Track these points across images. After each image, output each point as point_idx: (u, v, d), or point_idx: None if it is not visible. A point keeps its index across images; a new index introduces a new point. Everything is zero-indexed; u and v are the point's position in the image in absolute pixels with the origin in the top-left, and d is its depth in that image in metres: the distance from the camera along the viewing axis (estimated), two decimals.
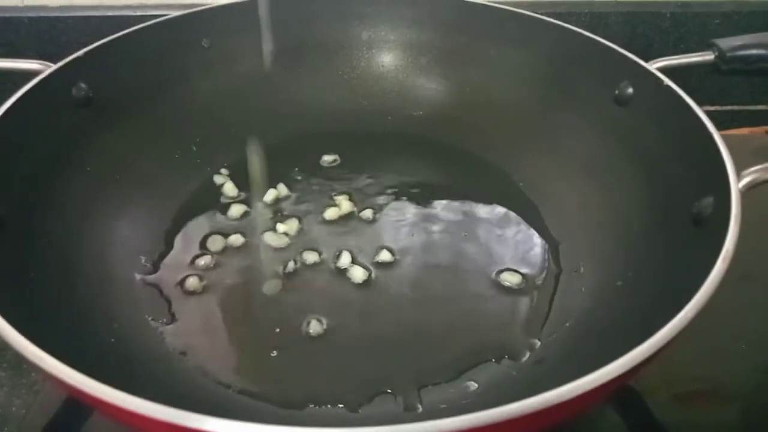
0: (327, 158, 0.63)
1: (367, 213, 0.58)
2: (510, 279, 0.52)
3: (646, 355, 0.33)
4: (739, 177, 0.43)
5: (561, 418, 0.34)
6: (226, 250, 0.55)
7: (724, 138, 0.46)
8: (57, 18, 0.75)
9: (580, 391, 0.31)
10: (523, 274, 0.52)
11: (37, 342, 0.33)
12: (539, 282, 0.52)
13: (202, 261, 0.53)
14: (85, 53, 0.55)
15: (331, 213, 0.58)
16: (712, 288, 0.36)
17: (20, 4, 0.75)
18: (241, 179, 0.61)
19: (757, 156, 0.74)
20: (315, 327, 0.49)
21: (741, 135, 0.81)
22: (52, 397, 0.47)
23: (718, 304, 0.48)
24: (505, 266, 0.54)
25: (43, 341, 0.33)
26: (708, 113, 0.75)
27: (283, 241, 0.55)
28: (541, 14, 0.75)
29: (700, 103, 0.76)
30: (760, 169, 0.43)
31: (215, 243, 0.55)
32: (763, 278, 0.58)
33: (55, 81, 0.52)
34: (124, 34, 0.58)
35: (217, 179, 0.61)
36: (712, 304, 0.36)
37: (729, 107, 0.85)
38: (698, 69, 0.56)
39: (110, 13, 0.75)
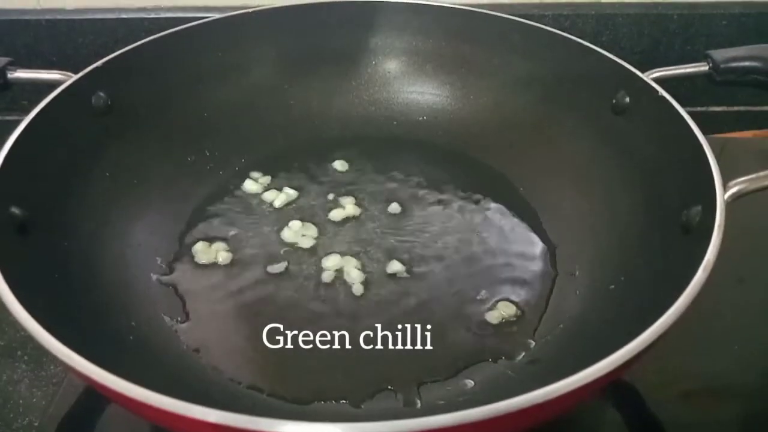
0: (335, 162, 0.65)
1: (372, 215, 0.59)
2: (505, 311, 0.52)
3: (628, 357, 0.34)
4: (725, 188, 0.44)
5: (552, 413, 0.36)
6: (238, 251, 0.56)
7: (728, 141, 0.47)
8: (73, 20, 0.76)
9: (568, 389, 0.33)
10: (516, 304, 0.52)
11: (62, 340, 0.35)
12: (536, 286, 0.53)
13: (215, 262, 0.55)
14: (104, 63, 0.56)
15: (337, 215, 0.59)
16: (692, 296, 0.37)
17: (37, 7, 0.77)
18: (251, 183, 0.62)
19: (759, 161, 0.75)
20: (321, 325, 0.50)
21: (744, 138, 0.81)
22: (71, 389, 0.49)
23: (714, 305, 0.49)
24: (504, 273, 0.55)
25: (66, 339, 0.35)
26: (714, 114, 0.76)
27: (293, 243, 0.57)
28: (548, 15, 0.77)
29: (708, 104, 0.77)
30: (747, 180, 0.44)
31: (227, 245, 0.56)
32: (758, 281, 0.60)
33: (76, 91, 0.54)
34: (140, 45, 0.59)
35: (234, 181, 0.62)
36: (708, 305, 0.38)
37: (735, 108, 0.85)
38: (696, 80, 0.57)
39: (125, 16, 0.77)
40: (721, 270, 0.39)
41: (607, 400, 0.50)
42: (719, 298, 0.45)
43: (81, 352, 0.34)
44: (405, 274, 0.54)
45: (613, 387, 0.48)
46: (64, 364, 0.35)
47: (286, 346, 0.49)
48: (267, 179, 0.63)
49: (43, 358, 0.52)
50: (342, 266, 0.55)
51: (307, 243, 0.57)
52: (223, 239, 0.57)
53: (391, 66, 0.69)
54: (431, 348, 0.49)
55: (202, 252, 0.56)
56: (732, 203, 0.44)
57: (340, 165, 0.65)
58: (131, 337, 0.47)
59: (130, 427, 0.48)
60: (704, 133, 0.49)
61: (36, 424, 0.48)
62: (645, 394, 0.50)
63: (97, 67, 0.56)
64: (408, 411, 0.45)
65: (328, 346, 0.49)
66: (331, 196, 0.61)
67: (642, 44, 0.80)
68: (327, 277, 0.54)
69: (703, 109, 0.83)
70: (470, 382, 0.47)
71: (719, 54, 0.55)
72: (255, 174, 0.63)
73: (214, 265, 0.55)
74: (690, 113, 0.51)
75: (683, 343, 0.48)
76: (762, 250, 0.62)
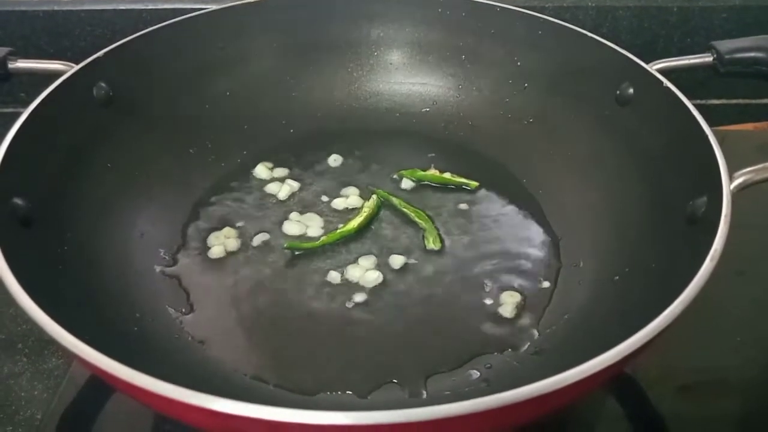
0: (337, 153, 0.65)
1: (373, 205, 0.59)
2: (510, 301, 0.52)
3: (635, 347, 0.34)
4: (731, 178, 0.44)
5: (558, 404, 0.36)
6: (240, 243, 0.56)
7: (728, 134, 0.46)
8: (70, 11, 0.76)
9: (575, 379, 0.33)
10: (521, 295, 0.52)
11: (69, 330, 0.35)
12: (540, 277, 0.54)
13: (219, 254, 0.55)
14: (105, 54, 0.56)
15: (340, 206, 0.59)
16: (699, 286, 0.37)
17: None
18: (253, 174, 0.63)
19: (759, 153, 0.75)
20: (328, 317, 0.50)
21: (745, 131, 0.81)
22: (73, 382, 0.49)
23: (714, 299, 0.50)
24: (507, 265, 0.55)
25: (73, 329, 0.35)
26: (713, 107, 0.76)
27: (295, 235, 0.57)
28: (548, 7, 0.76)
29: (707, 97, 0.76)
30: (752, 171, 0.44)
31: (231, 236, 0.56)
32: (758, 274, 0.60)
33: (77, 81, 0.53)
34: (141, 35, 0.59)
35: (237, 173, 0.62)
36: (709, 298, 0.38)
37: (734, 100, 0.85)
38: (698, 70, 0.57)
39: (123, 7, 0.76)
40: (721, 262, 0.40)
41: (607, 392, 0.50)
42: (720, 290, 0.45)
43: (87, 342, 0.34)
44: (409, 267, 0.54)
45: (614, 379, 0.48)
46: (72, 353, 0.35)
47: (291, 337, 0.49)
48: (284, 171, 0.63)
49: (44, 351, 0.52)
50: (346, 258, 0.55)
51: (312, 233, 0.57)
52: (227, 230, 0.57)
53: (394, 57, 0.69)
54: (436, 339, 0.49)
55: (214, 242, 0.56)
56: (734, 194, 0.44)
57: (337, 159, 0.65)
58: (136, 329, 0.47)
59: (131, 419, 0.48)
60: None
61: (38, 416, 0.48)
62: (645, 387, 0.50)
63: (98, 58, 0.55)
64: (414, 401, 0.45)
65: (332, 337, 0.49)
66: (333, 187, 0.62)
67: (642, 36, 0.80)
68: (332, 268, 0.54)
69: (703, 101, 0.83)
70: (476, 373, 0.47)
71: (723, 45, 0.55)
72: (266, 164, 0.63)
73: (217, 257, 0.55)
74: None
75: (683, 335, 0.48)
76: (761, 243, 0.63)
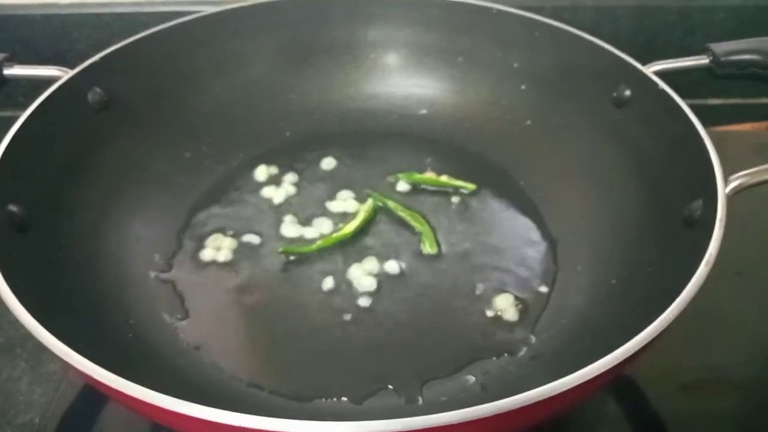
0: (333, 156, 0.64)
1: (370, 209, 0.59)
2: (507, 306, 0.52)
3: (633, 351, 0.35)
4: (726, 182, 0.44)
5: (556, 409, 0.37)
6: (237, 248, 0.56)
7: (726, 134, 0.46)
8: (69, 15, 0.76)
9: (570, 386, 0.33)
10: (518, 299, 0.52)
11: (61, 338, 0.35)
12: (538, 281, 0.53)
13: (214, 259, 0.55)
14: (101, 58, 0.56)
15: (336, 210, 0.59)
16: (695, 291, 0.37)
17: (32, 2, 0.76)
18: (249, 178, 0.62)
19: (757, 154, 0.75)
20: (323, 323, 0.50)
21: (742, 131, 0.81)
22: (72, 386, 0.49)
23: (713, 299, 0.50)
24: (505, 269, 0.54)
25: (65, 337, 0.35)
26: (711, 107, 0.76)
27: (291, 239, 0.57)
28: (547, 7, 0.76)
29: (705, 96, 0.76)
30: (748, 174, 0.44)
31: (226, 241, 0.56)
32: (757, 274, 0.60)
33: (73, 87, 0.53)
34: (137, 39, 0.59)
35: (233, 177, 0.62)
36: (707, 299, 0.38)
37: (732, 100, 0.85)
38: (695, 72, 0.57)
39: (120, 10, 0.76)
40: (720, 263, 0.40)
41: (606, 392, 0.50)
42: (718, 291, 0.45)
43: (80, 350, 0.35)
44: (405, 272, 0.54)
45: (612, 382, 0.48)
46: (64, 362, 0.35)
47: (287, 343, 0.49)
48: (280, 174, 0.63)
49: (42, 356, 0.52)
50: (342, 263, 0.55)
51: (308, 237, 0.57)
52: (222, 235, 0.57)
53: (391, 59, 0.69)
54: (432, 344, 0.49)
55: (209, 246, 0.56)
56: (730, 197, 0.44)
57: (333, 162, 0.64)
58: (130, 335, 0.47)
59: (130, 424, 0.48)
60: (702, 125, 0.49)
61: (36, 421, 0.48)
62: (644, 387, 0.50)
63: (93, 63, 0.55)
64: (410, 408, 0.45)
65: (328, 342, 0.49)
66: (330, 190, 0.61)
67: (641, 36, 0.80)
68: (327, 273, 0.54)
69: (701, 101, 0.83)
70: (472, 378, 0.47)
71: (719, 47, 0.55)
72: (263, 167, 0.63)
73: (213, 262, 0.55)
74: (687, 106, 0.51)
75: (682, 335, 0.48)
76: (760, 243, 0.63)
